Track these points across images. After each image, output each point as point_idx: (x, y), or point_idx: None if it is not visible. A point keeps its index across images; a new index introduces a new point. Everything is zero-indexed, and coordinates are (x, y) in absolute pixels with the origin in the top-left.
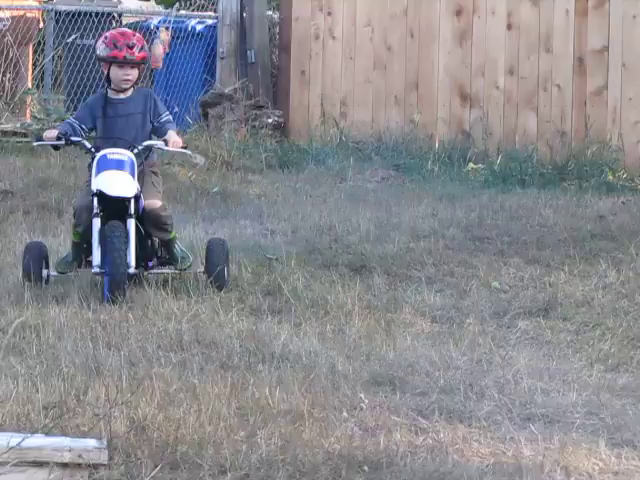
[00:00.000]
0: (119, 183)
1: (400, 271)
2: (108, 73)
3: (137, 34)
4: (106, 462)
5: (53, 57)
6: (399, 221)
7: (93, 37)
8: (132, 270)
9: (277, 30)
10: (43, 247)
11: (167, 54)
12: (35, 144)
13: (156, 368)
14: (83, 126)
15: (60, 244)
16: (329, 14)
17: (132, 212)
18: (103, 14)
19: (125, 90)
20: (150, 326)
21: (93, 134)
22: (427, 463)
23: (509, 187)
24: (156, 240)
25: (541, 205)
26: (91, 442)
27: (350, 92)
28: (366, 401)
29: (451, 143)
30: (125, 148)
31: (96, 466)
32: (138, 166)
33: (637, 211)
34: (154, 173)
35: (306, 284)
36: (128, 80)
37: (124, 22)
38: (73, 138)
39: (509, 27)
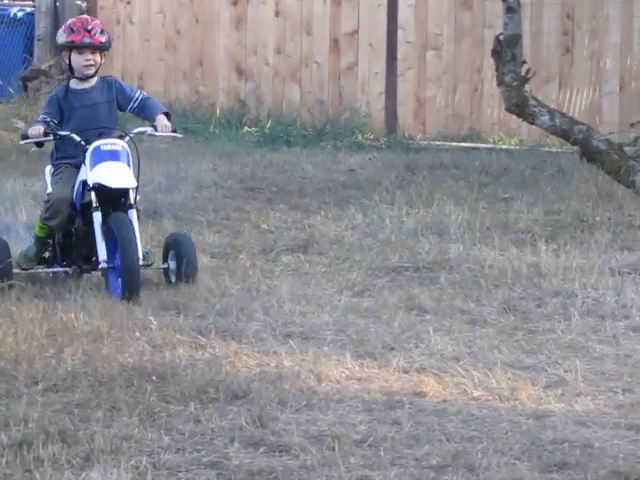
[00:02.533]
0: (119, 174)
1: (186, 216)
2: (70, 62)
3: (96, 20)
4: None
5: None
6: (186, 175)
7: None
8: (142, 262)
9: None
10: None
11: None
12: (22, 142)
13: None
14: (55, 121)
15: None
16: (128, 3)
17: (133, 203)
18: None
19: (89, 78)
20: None
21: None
22: (205, 373)
23: (277, 147)
24: None
25: (303, 161)
26: None
27: (146, 68)
28: (155, 323)
29: (230, 110)
30: (116, 137)
31: None
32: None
33: (381, 165)
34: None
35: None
36: (90, 65)
37: None
38: (61, 132)
39: (277, 14)
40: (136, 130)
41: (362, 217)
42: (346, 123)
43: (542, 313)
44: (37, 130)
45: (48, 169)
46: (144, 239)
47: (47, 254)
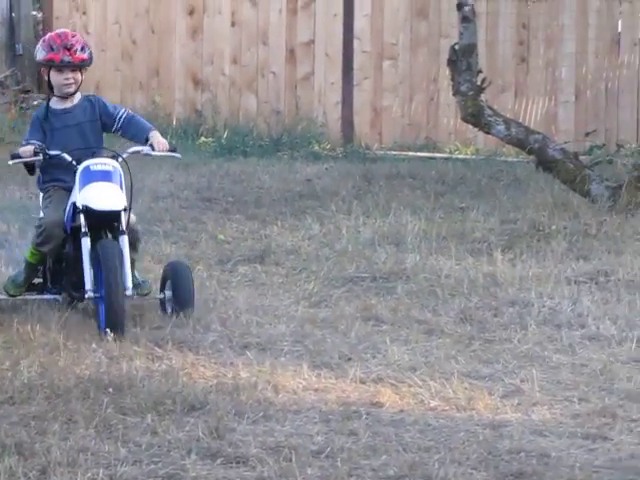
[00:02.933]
0: (107, 196)
1: (143, 227)
2: (49, 79)
3: (77, 35)
4: None
5: None
6: (142, 185)
7: None
8: (130, 292)
9: (41, 27)
10: None
11: None
12: (10, 162)
13: None
14: (41, 144)
15: None
16: (84, 13)
17: (124, 228)
18: None
19: (70, 96)
20: None
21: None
22: (162, 385)
23: (234, 157)
24: None
25: (259, 171)
26: None
27: (102, 78)
28: (111, 334)
29: (186, 120)
30: (108, 157)
31: None
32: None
33: (337, 175)
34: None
35: None
36: (69, 84)
37: None
38: (51, 152)
39: (233, 24)
40: (131, 150)
41: (319, 227)
42: (303, 133)
43: (498, 322)
44: (27, 150)
45: (41, 195)
46: (142, 266)
47: (37, 280)
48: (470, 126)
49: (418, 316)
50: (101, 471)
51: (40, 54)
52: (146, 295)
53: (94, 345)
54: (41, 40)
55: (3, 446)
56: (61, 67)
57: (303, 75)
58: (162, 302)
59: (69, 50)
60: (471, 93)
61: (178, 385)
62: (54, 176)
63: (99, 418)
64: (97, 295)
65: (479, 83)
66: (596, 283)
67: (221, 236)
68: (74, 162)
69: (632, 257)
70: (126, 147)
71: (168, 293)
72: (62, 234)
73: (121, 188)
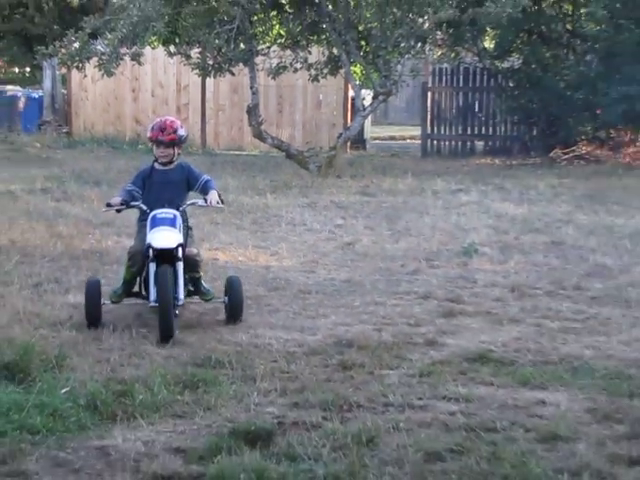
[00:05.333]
0: (164, 238)
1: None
2: (153, 150)
3: (176, 121)
4: None
5: None
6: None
7: None
8: (181, 302)
9: (66, 97)
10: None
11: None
12: (103, 210)
13: None
14: (138, 190)
15: None
16: (85, 91)
17: (180, 257)
18: None
19: (166, 164)
20: None
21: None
22: None
23: None
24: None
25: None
26: None
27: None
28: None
29: None
30: (173, 208)
31: None
32: (183, 222)
33: (200, 163)
34: (189, 228)
35: None
36: (163, 156)
37: None
38: (133, 203)
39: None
40: (189, 202)
41: None
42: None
43: (268, 223)
44: (116, 201)
45: (135, 229)
46: (209, 277)
47: (135, 289)
48: (257, 140)
49: None
50: None
51: (148, 132)
52: (210, 300)
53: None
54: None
55: None
56: (157, 143)
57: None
58: (225, 306)
59: (162, 132)
60: (257, 126)
61: None
62: (144, 216)
63: None
64: (157, 305)
65: (259, 121)
66: (310, 207)
67: None
68: (148, 211)
69: (326, 195)
70: (192, 198)
71: (226, 299)
72: (143, 259)
73: (178, 230)
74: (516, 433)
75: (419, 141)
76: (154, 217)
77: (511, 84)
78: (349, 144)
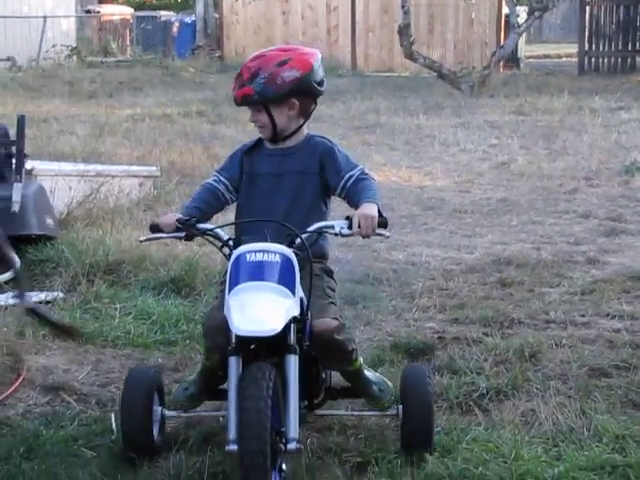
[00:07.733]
0: (255, 313)
1: None
2: None
3: (259, 58)
4: None
5: None
6: None
7: None
8: (293, 446)
9: (218, 22)
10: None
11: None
12: (142, 239)
13: None
14: (230, 185)
15: None
16: (236, 14)
17: (293, 344)
18: None
19: (279, 139)
20: None
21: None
22: None
23: None
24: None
25: None
26: None
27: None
28: None
29: None
30: (280, 236)
31: None
32: (307, 262)
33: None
34: (326, 272)
35: None
36: (257, 126)
37: None
38: (200, 226)
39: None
40: (315, 226)
41: None
42: None
43: (428, 141)
44: (169, 221)
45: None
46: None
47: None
48: (407, 61)
49: None
50: None
51: None
52: (384, 410)
53: None
54: None
55: None
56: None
57: None
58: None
59: (237, 81)
60: (409, 46)
61: None
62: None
63: None
64: (235, 450)
65: (411, 41)
66: (463, 127)
67: None
68: (231, 242)
69: (479, 115)
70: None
71: (400, 408)
72: (227, 342)
73: (286, 290)
74: None
75: (575, 59)
76: (240, 259)
77: None
78: (502, 63)
